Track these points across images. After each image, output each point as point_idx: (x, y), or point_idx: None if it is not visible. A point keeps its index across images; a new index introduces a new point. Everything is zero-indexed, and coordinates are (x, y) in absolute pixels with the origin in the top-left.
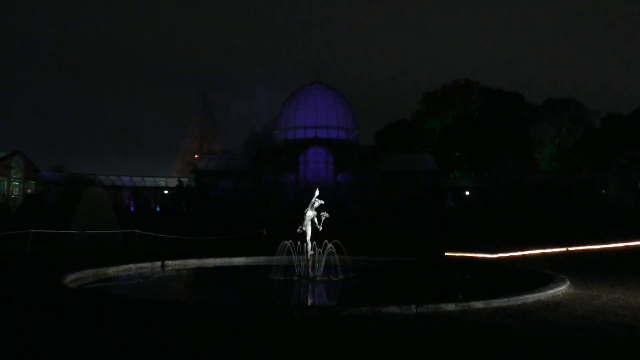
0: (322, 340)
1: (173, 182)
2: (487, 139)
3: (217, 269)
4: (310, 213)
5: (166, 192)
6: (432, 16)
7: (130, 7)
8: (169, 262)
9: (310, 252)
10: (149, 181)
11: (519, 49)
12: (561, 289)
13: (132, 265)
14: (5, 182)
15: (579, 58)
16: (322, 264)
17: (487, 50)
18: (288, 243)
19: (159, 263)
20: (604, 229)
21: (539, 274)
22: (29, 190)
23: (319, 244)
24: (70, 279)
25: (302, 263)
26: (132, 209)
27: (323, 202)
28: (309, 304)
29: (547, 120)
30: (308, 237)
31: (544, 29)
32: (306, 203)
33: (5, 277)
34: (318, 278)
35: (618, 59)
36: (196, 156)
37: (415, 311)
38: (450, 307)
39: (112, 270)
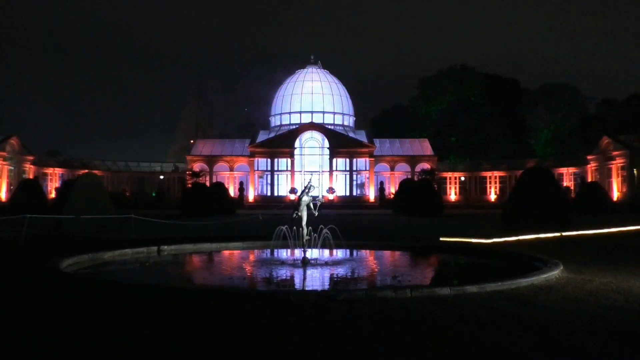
0: (318, 324)
1: (169, 167)
2: (482, 124)
3: (212, 253)
4: (305, 198)
5: (162, 177)
6: (428, 1)
7: None
8: (165, 247)
9: (305, 237)
10: (145, 166)
11: (516, 34)
12: (554, 273)
13: (128, 250)
14: (0, 167)
15: (575, 43)
16: (318, 248)
17: (483, 35)
18: (284, 228)
19: (155, 248)
20: (597, 214)
21: (533, 258)
22: (24, 175)
23: (315, 229)
24: (66, 263)
25: (298, 248)
26: (127, 193)
27: (317, 187)
28: (305, 288)
29: (543, 105)
30: (304, 222)
31: (541, 14)
32: (301, 188)
33: (1, 262)
34: (313, 262)
35: (614, 44)
36: (192, 141)
37: (410, 295)
38: (445, 291)
39: (108, 255)
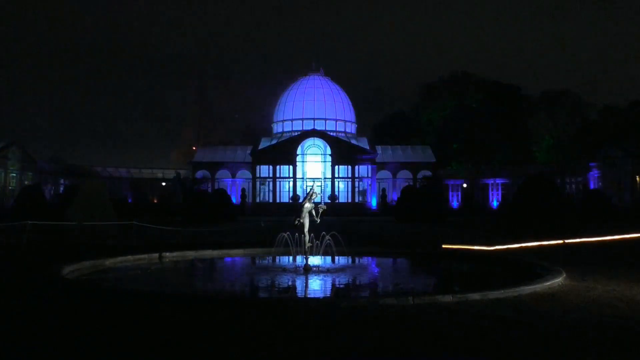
0: (320, 331)
1: (170, 174)
2: (484, 131)
3: (214, 260)
4: (307, 205)
5: (164, 183)
6: (429, 8)
7: None
8: (167, 253)
9: (307, 244)
10: (147, 172)
11: (517, 40)
12: (557, 281)
13: (129, 257)
14: (2, 174)
15: (576, 50)
16: (320, 255)
17: (484, 42)
18: (286, 235)
19: (156, 255)
20: (600, 221)
21: (536, 265)
22: (26, 182)
23: (317, 236)
24: (68, 270)
25: (300, 255)
26: (129, 200)
27: (321, 194)
28: (307, 295)
29: (544, 112)
30: (306, 229)
31: (541, 20)
32: (303, 195)
33: (3, 268)
34: (315, 269)
35: (615, 51)
36: (194, 147)
37: (412, 302)
38: (447, 298)
39: (109, 262)
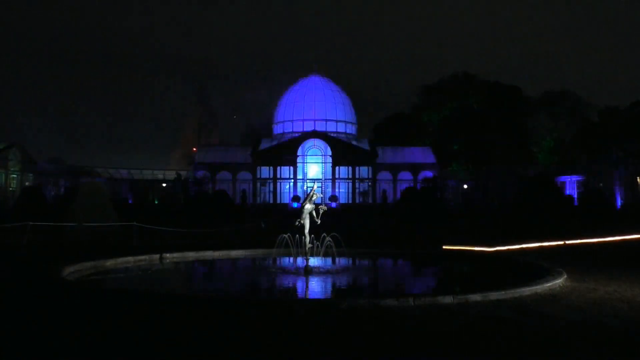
0: (320, 333)
1: (171, 175)
2: (485, 132)
3: (215, 261)
4: (308, 206)
5: (164, 184)
6: (430, 8)
7: None
8: (168, 254)
9: (308, 245)
10: (147, 174)
11: (517, 41)
12: (558, 282)
13: (130, 258)
14: (3, 175)
15: (577, 51)
16: (321, 256)
17: (485, 43)
18: (286, 236)
19: (157, 255)
20: (600, 222)
21: (536, 267)
22: (26, 183)
23: (317, 237)
24: (68, 271)
25: (300, 256)
26: (130, 201)
27: (321, 195)
28: (307, 296)
29: (545, 113)
30: (306, 230)
31: (542, 21)
32: (304, 196)
33: (4, 269)
34: (316, 271)
35: (616, 51)
36: (194, 149)
37: (412, 304)
38: (448, 299)
39: (110, 263)
